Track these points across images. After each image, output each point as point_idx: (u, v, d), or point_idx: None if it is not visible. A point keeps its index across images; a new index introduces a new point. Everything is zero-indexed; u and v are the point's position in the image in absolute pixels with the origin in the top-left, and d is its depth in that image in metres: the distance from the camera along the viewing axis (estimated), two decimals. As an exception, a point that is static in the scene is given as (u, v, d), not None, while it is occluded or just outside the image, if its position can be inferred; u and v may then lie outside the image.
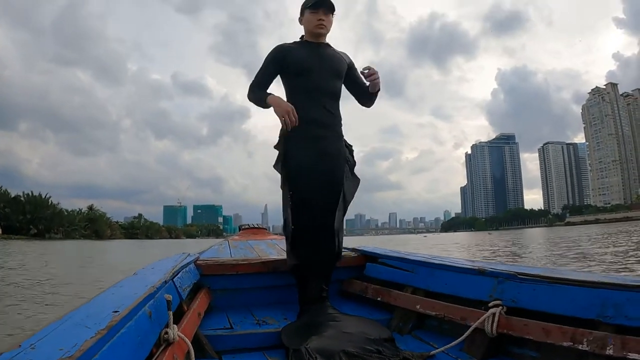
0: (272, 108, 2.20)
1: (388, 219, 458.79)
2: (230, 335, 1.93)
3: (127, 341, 1.05)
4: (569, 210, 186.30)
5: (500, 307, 1.67)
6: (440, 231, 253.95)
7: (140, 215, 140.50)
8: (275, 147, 2.31)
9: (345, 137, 2.40)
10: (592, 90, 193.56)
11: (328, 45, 2.39)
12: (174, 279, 1.76)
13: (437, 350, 1.73)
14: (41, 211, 76.64)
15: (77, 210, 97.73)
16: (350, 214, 2.53)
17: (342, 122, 2.40)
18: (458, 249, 21.58)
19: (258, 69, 2.35)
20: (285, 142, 2.25)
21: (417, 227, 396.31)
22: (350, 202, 2.37)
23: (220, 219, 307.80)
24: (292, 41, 2.40)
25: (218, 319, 2.11)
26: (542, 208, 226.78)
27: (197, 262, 2.36)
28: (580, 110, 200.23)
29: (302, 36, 2.40)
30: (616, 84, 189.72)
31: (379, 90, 2.41)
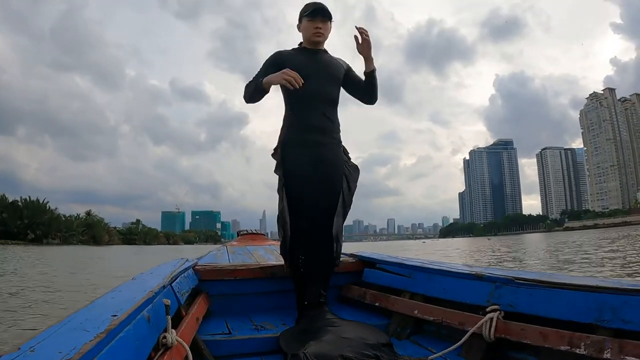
0: (271, 88, 2.24)
1: (386, 225, 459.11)
2: (228, 340, 1.93)
3: (125, 345, 1.05)
4: (568, 215, 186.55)
5: (498, 312, 1.67)
6: (439, 237, 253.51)
7: (138, 221, 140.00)
8: (273, 155, 2.33)
9: (344, 144, 2.42)
10: (589, 95, 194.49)
11: (325, 51, 2.42)
12: (173, 284, 1.77)
13: (435, 355, 1.74)
14: (39, 216, 76.32)
15: (75, 215, 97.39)
16: (348, 219, 2.54)
17: (341, 128, 2.42)
18: (461, 255, 21.29)
19: (256, 73, 2.37)
20: (283, 149, 2.28)
21: (416, 233, 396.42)
22: (349, 207, 2.38)
23: (219, 225, 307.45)
24: (290, 48, 2.42)
25: (216, 324, 2.11)
26: (541, 213, 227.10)
27: (196, 267, 2.37)
28: (578, 116, 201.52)
29: (301, 43, 2.43)
30: (614, 89, 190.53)
31: (374, 69, 2.40)
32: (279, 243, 3.85)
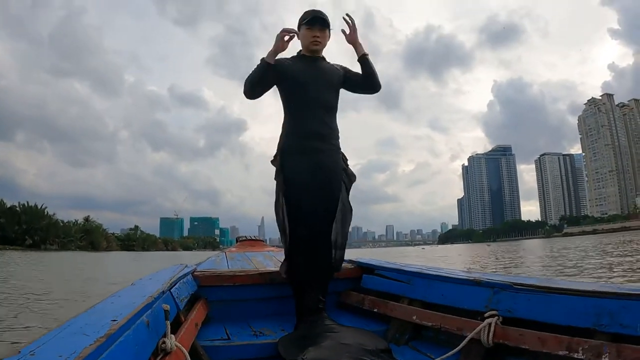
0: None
1: (385, 232, 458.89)
2: (227, 346, 1.94)
3: (125, 350, 1.06)
4: (567, 221, 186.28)
5: (496, 317, 1.67)
6: (437, 243, 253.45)
7: (136, 227, 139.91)
8: (273, 162, 2.35)
9: (343, 150, 2.44)
10: (588, 101, 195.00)
11: (324, 59, 2.45)
12: (172, 290, 1.78)
13: None
14: (37, 222, 76.30)
15: (73, 221, 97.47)
16: (346, 226, 2.55)
17: (340, 135, 2.44)
18: (465, 262, 20.92)
19: None
20: (283, 156, 2.30)
21: (414, 239, 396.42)
22: (349, 213, 2.39)
23: (217, 231, 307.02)
24: (289, 56, 2.44)
25: (215, 330, 2.12)
26: (539, 219, 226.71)
27: (195, 273, 2.38)
28: (577, 121, 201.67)
29: (300, 51, 2.45)
30: (612, 95, 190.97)
31: (365, 54, 2.42)
32: (277, 249, 3.88)
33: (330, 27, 2.40)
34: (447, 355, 1.70)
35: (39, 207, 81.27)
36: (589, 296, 1.48)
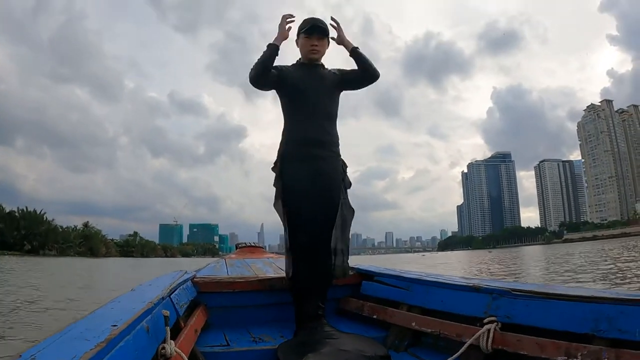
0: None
1: (384, 239, 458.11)
2: (226, 352, 1.94)
3: (125, 355, 1.06)
4: (566, 227, 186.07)
5: (495, 323, 1.68)
6: (437, 250, 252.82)
7: (135, 233, 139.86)
8: (273, 169, 2.36)
9: (342, 157, 2.45)
10: (587, 107, 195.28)
11: (322, 66, 2.47)
12: (172, 296, 1.79)
13: None
14: (36, 227, 76.15)
15: (72, 227, 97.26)
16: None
17: (339, 141, 2.45)
18: (470, 269, 20.79)
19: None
20: (282, 162, 2.31)
21: (414, 246, 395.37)
22: (350, 220, 2.40)
23: (217, 238, 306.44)
24: (287, 63, 2.46)
25: (215, 336, 2.13)
26: (539, 226, 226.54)
27: (194, 279, 2.39)
28: (576, 128, 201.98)
29: (299, 59, 2.48)
30: (611, 101, 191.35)
31: (355, 47, 2.44)
32: (277, 256, 3.89)
33: (329, 36, 2.43)
34: None
35: (38, 212, 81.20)
36: (587, 302, 1.49)
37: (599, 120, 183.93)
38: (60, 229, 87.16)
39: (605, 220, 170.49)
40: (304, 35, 2.39)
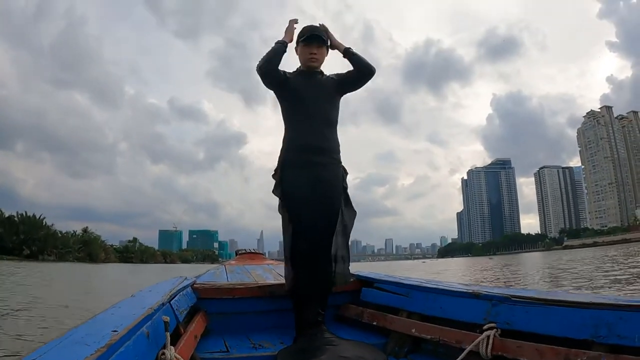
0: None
1: (384, 245, 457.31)
2: (226, 358, 1.95)
3: None
4: (567, 233, 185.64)
5: (495, 330, 1.68)
6: (437, 257, 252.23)
7: (135, 239, 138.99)
8: (274, 176, 2.37)
9: (343, 164, 2.46)
10: (587, 113, 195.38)
11: (321, 73, 2.49)
12: (172, 302, 1.79)
13: None
14: (35, 232, 75.83)
15: (72, 232, 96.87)
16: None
17: (340, 148, 2.46)
18: (475, 276, 20.47)
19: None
20: (283, 169, 2.32)
21: (414, 253, 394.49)
22: (350, 227, 2.41)
23: (216, 244, 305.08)
24: (287, 69, 2.48)
25: (214, 342, 2.13)
26: (539, 232, 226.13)
27: (194, 285, 2.40)
28: (576, 134, 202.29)
29: (299, 67, 2.50)
30: (611, 107, 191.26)
31: (347, 48, 2.46)
32: (277, 262, 3.89)
33: (328, 44, 2.46)
34: None
35: (37, 217, 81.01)
36: (586, 308, 1.49)
37: (599, 126, 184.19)
38: (60, 234, 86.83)
39: (606, 226, 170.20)
40: (302, 43, 2.42)
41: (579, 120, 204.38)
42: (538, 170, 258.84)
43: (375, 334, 2.31)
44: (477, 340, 1.68)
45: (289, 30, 2.44)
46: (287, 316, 2.35)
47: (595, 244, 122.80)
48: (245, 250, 4.61)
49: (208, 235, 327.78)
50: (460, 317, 1.94)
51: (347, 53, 2.45)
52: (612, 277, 12.72)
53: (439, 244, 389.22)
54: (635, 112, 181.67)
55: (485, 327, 1.72)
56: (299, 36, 2.45)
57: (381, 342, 2.20)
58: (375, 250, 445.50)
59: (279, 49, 2.38)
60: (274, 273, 3.19)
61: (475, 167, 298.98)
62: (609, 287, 10.08)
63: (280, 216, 2.38)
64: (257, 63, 2.35)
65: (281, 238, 2.35)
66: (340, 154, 2.45)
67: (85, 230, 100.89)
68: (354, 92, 2.56)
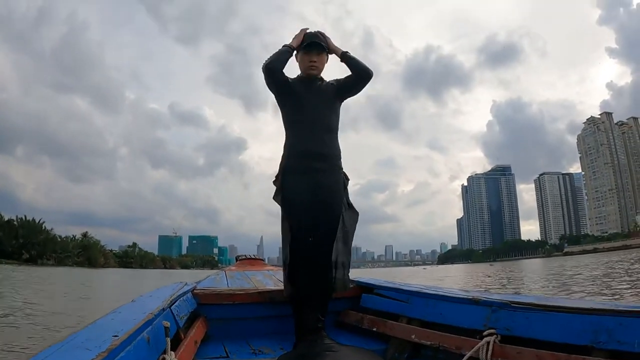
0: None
1: (384, 252, 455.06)
2: None
3: None
4: (567, 240, 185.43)
5: (495, 336, 1.69)
6: (437, 263, 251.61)
7: (134, 244, 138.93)
8: (275, 182, 2.38)
9: (343, 170, 2.46)
10: (587, 119, 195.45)
11: (322, 79, 2.51)
12: (172, 307, 1.80)
13: None
14: (34, 236, 75.93)
15: (71, 237, 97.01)
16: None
17: (341, 154, 2.47)
18: (479, 282, 20.12)
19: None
20: (284, 175, 2.32)
21: (414, 259, 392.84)
22: (352, 233, 2.42)
23: (216, 250, 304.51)
24: (289, 75, 2.49)
25: (214, 348, 2.14)
26: (539, 239, 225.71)
27: (195, 291, 2.41)
28: (576, 140, 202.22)
29: (299, 74, 2.51)
30: (611, 113, 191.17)
31: (345, 52, 2.49)
32: (277, 268, 3.89)
33: (328, 51, 2.47)
34: None
35: (37, 221, 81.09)
36: (586, 314, 1.50)
37: (599, 132, 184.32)
38: (59, 239, 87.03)
39: (606, 232, 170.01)
40: (303, 51, 2.44)
41: (579, 126, 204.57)
42: (538, 177, 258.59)
43: (375, 340, 2.31)
44: (477, 346, 1.68)
45: (298, 37, 2.45)
46: (287, 322, 2.36)
47: (595, 250, 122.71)
48: (245, 256, 4.61)
49: (208, 241, 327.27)
50: (460, 323, 1.94)
51: (344, 57, 2.47)
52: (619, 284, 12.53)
53: (438, 250, 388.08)
54: (635, 118, 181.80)
55: (485, 333, 1.72)
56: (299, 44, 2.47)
57: (381, 348, 2.20)
58: (375, 257, 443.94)
59: (286, 51, 2.40)
60: (274, 279, 3.19)
61: (475, 174, 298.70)
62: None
63: (280, 222, 2.38)
64: (264, 62, 2.37)
65: (281, 244, 2.36)
66: (341, 160, 2.46)
67: (84, 235, 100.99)
68: (353, 98, 2.57)
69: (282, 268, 2.39)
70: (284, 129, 2.46)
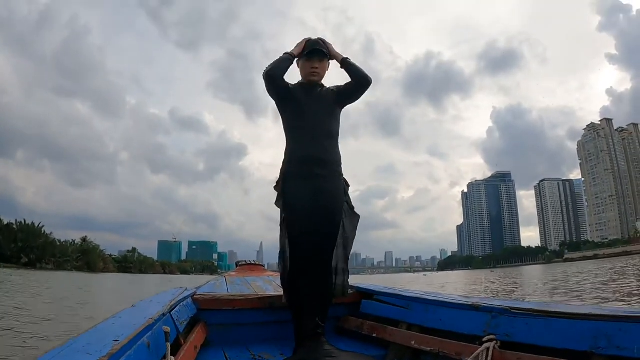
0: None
1: (384, 258, 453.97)
2: None
3: None
4: (567, 246, 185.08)
5: (495, 342, 1.68)
6: (437, 270, 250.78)
7: (134, 249, 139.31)
8: (276, 188, 2.38)
9: (344, 176, 2.47)
10: (587, 126, 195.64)
11: (322, 86, 2.52)
12: (172, 312, 1.81)
13: None
14: (33, 240, 75.80)
15: (71, 241, 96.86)
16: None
17: (342, 161, 2.48)
18: (478, 288, 20.22)
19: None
20: (284, 181, 2.33)
21: (414, 266, 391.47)
22: (352, 239, 2.42)
23: (216, 256, 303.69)
24: (290, 84, 2.50)
25: (214, 353, 2.14)
26: (539, 245, 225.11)
27: (195, 296, 2.41)
28: (576, 147, 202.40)
29: (300, 81, 2.53)
30: (611, 120, 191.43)
31: (345, 58, 2.49)
32: (277, 274, 3.89)
33: (329, 58, 2.49)
34: None
35: (36, 225, 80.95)
36: (586, 319, 1.50)
37: (599, 139, 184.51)
38: (58, 243, 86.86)
39: (606, 239, 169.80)
40: (304, 58, 2.45)
41: (579, 132, 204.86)
42: (538, 183, 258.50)
43: (375, 346, 2.31)
44: (477, 352, 1.68)
45: (300, 45, 2.47)
46: (287, 328, 2.36)
47: (596, 257, 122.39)
48: (245, 261, 4.62)
49: (207, 247, 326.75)
50: (460, 329, 1.94)
51: (345, 63, 2.48)
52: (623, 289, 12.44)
53: (439, 256, 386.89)
54: (635, 125, 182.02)
55: (485, 339, 1.72)
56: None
57: (381, 354, 2.20)
58: (375, 263, 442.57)
59: (287, 59, 2.42)
60: (274, 285, 3.20)
61: (476, 180, 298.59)
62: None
63: (279, 228, 2.39)
64: (264, 69, 2.39)
65: (280, 250, 2.35)
66: (342, 166, 2.47)
67: (84, 240, 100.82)
68: (353, 105, 2.59)
69: (281, 273, 2.39)
70: (284, 135, 2.47)
